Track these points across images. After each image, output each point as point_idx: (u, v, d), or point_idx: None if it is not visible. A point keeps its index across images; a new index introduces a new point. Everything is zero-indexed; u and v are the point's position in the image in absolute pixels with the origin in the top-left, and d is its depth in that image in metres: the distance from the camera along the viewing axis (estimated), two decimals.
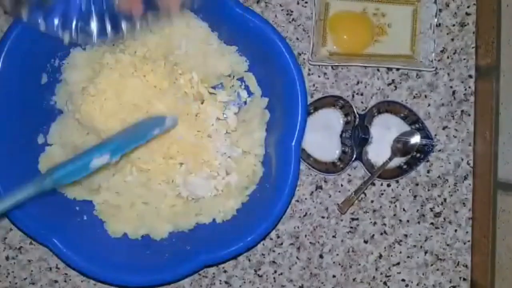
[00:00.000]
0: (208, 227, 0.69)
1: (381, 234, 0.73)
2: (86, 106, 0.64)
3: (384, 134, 0.72)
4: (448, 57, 0.73)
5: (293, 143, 0.64)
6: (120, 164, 0.66)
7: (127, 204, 0.68)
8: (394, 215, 0.73)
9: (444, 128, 0.73)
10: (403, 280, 0.73)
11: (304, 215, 0.73)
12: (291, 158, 0.64)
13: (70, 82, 0.68)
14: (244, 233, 0.64)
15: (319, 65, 0.72)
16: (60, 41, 0.60)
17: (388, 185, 0.73)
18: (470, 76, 0.73)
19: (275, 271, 0.73)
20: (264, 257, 0.72)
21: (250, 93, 0.71)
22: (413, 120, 0.72)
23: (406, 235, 0.73)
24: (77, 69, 0.68)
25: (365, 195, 0.73)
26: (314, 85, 0.73)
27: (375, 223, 0.73)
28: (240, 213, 0.68)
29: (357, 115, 0.70)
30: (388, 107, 0.72)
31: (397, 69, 0.73)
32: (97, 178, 0.67)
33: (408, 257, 0.73)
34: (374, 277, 0.73)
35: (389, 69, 0.73)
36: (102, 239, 0.68)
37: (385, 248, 0.73)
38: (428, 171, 0.73)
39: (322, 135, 0.71)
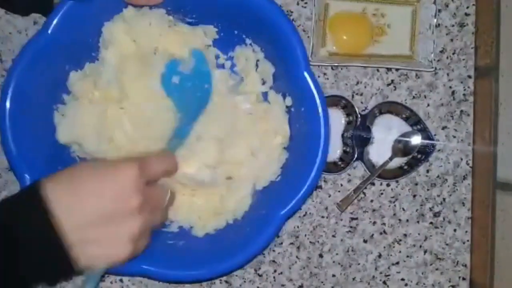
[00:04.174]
0: (270, 187, 0.68)
1: (381, 233, 0.73)
2: None
3: (386, 134, 0.72)
4: (447, 58, 0.74)
5: (304, 72, 0.62)
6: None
7: (210, 208, 0.68)
8: (394, 214, 0.73)
9: (443, 128, 0.74)
10: (402, 279, 0.73)
11: (304, 215, 0.73)
12: (308, 84, 0.62)
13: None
14: (307, 168, 0.63)
15: (318, 66, 0.72)
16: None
17: (388, 185, 0.73)
18: (469, 77, 0.74)
19: (275, 271, 0.73)
20: (264, 256, 0.73)
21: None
22: (415, 121, 0.72)
23: (405, 235, 0.73)
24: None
25: (365, 194, 0.73)
26: None
27: (374, 222, 0.73)
28: (289, 160, 0.68)
29: (359, 115, 0.71)
30: (389, 107, 0.72)
31: (397, 69, 0.73)
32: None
33: (408, 256, 0.73)
34: (373, 276, 0.73)
35: (389, 69, 0.73)
36: (193, 242, 0.67)
37: (384, 247, 0.73)
38: (428, 171, 0.73)
39: None
